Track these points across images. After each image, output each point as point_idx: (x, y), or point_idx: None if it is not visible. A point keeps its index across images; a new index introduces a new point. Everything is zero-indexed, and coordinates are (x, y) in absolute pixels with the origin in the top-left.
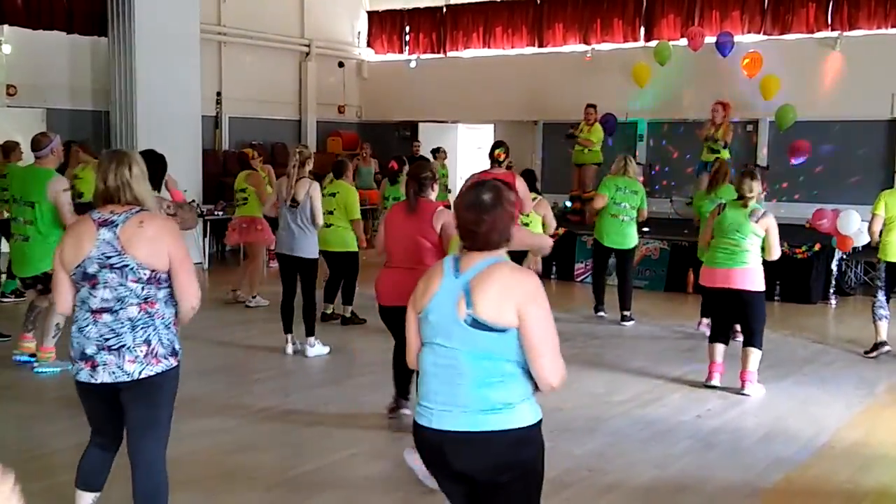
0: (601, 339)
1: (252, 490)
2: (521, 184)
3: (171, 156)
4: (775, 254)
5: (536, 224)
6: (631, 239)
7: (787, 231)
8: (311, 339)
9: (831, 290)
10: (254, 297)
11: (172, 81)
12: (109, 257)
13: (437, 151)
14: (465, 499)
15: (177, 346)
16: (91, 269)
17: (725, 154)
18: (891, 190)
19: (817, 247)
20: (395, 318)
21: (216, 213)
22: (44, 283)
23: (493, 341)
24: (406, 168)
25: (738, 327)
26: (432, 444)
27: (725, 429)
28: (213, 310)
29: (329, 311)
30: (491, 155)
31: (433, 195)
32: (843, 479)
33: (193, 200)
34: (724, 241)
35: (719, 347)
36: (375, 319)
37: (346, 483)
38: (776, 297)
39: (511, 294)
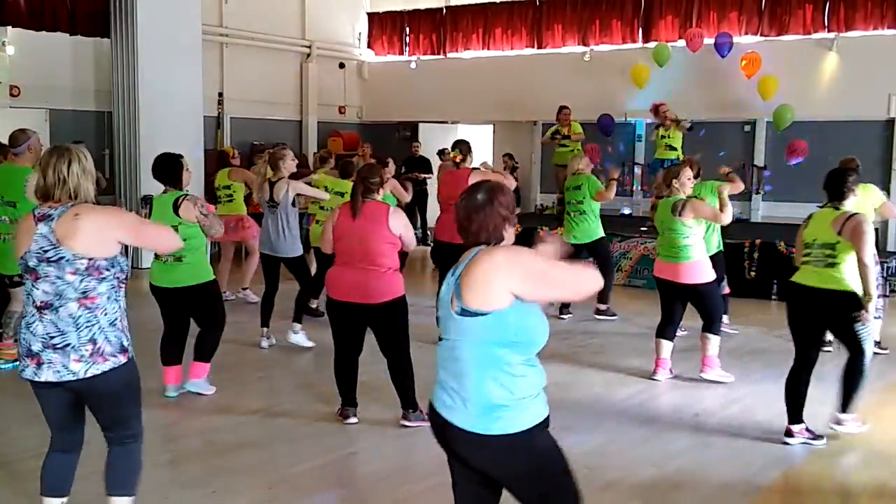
0: (600, 337)
1: (253, 488)
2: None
3: None
4: (724, 220)
5: None
6: (586, 233)
7: (785, 230)
8: (296, 325)
9: None
10: (244, 289)
11: (174, 82)
12: (46, 251)
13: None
14: (477, 482)
15: (125, 343)
16: (31, 263)
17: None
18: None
19: None
20: (341, 315)
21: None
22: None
23: (483, 326)
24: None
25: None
26: (442, 430)
27: (723, 427)
28: None
29: (314, 307)
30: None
31: (379, 198)
32: (841, 477)
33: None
34: (663, 239)
35: (665, 343)
36: None
37: (346, 481)
38: (773, 296)
39: (491, 277)
